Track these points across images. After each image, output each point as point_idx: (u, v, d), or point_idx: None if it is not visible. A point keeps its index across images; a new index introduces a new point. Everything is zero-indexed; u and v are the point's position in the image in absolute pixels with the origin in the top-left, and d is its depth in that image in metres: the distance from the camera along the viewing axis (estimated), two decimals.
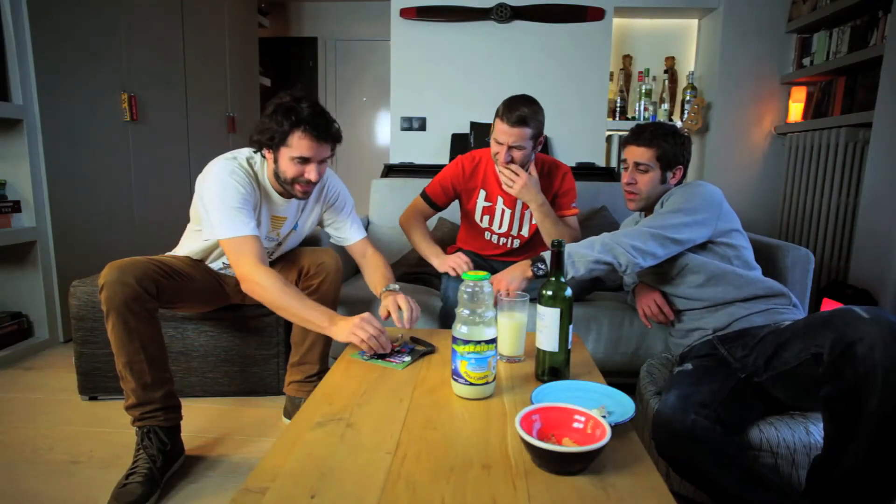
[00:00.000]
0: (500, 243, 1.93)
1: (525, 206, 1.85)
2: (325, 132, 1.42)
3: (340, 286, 1.73)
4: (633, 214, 1.64)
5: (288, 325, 1.92)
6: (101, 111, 2.64)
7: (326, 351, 1.74)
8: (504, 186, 1.74)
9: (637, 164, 1.46)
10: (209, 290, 1.66)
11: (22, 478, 1.41)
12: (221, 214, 1.41)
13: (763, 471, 1.11)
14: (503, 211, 1.87)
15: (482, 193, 1.87)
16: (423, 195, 1.91)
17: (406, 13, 3.37)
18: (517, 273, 1.40)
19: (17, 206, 2.27)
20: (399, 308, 1.45)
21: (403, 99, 3.50)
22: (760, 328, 1.32)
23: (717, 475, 1.07)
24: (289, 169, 1.45)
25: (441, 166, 3.18)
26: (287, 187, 1.50)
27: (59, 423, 1.69)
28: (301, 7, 5.26)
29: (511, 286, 1.38)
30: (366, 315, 1.29)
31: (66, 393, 1.91)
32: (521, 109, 1.64)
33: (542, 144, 1.75)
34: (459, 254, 1.73)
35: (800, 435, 1.22)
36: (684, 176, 1.49)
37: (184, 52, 3.29)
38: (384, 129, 5.35)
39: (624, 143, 1.51)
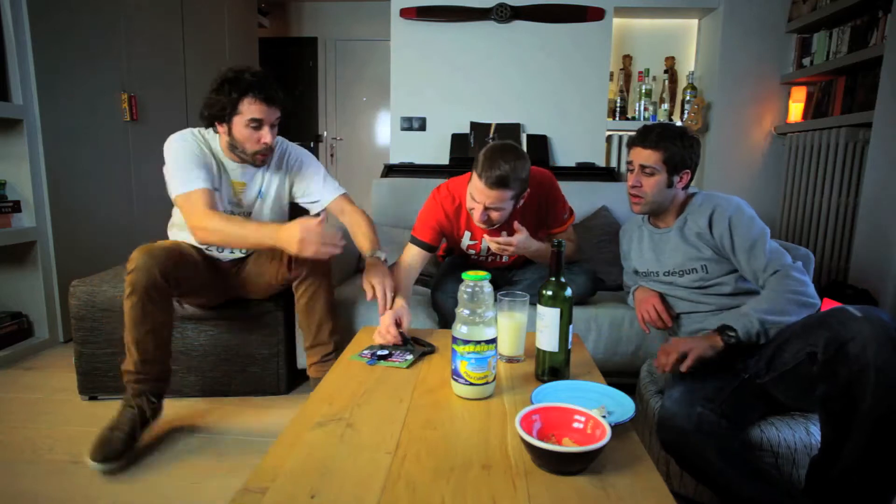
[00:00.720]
0: (489, 260, 1.83)
1: (511, 234, 1.64)
2: (274, 94, 1.53)
3: (333, 290, 1.77)
4: (635, 218, 1.62)
5: (289, 323, 1.92)
6: (101, 111, 2.64)
7: (335, 328, 1.76)
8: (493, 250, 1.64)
9: (643, 167, 1.41)
10: (214, 283, 1.71)
11: (22, 478, 1.41)
12: (174, 171, 1.53)
13: (766, 467, 1.11)
14: (489, 248, 1.70)
15: (467, 234, 1.74)
16: (414, 240, 1.68)
17: (406, 13, 3.37)
18: (705, 344, 1.22)
19: (17, 206, 2.27)
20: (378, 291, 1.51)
21: (403, 99, 3.49)
22: None
23: (721, 469, 1.07)
24: (244, 137, 1.54)
25: (441, 166, 3.20)
26: (244, 157, 1.59)
27: (59, 423, 1.69)
28: (301, 7, 5.26)
29: (696, 353, 1.20)
30: (310, 225, 1.35)
31: (66, 393, 1.91)
32: (502, 168, 1.45)
33: (525, 199, 1.60)
34: (386, 324, 1.39)
35: (800, 435, 1.22)
36: (691, 180, 1.46)
37: (184, 52, 3.29)
38: (384, 129, 5.35)
39: (630, 143, 1.46)
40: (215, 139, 1.63)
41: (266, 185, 1.72)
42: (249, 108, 1.50)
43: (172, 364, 1.84)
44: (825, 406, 1.06)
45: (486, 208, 1.52)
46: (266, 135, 1.54)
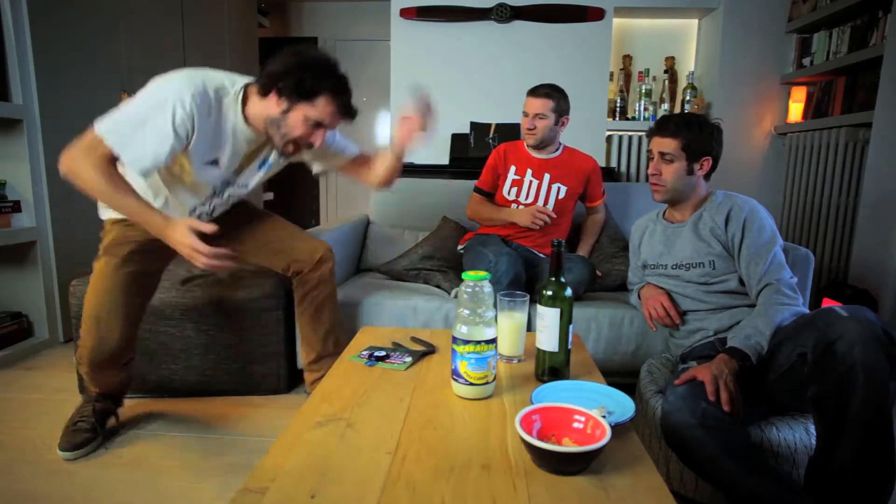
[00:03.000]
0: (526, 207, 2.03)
1: (552, 181, 2.03)
2: (350, 108, 1.40)
3: (334, 275, 1.74)
4: (650, 213, 1.63)
5: (289, 323, 1.92)
6: (101, 111, 2.61)
7: (340, 338, 1.74)
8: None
9: (662, 154, 1.43)
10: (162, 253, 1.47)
11: (22, 478, 1.42)
12: (125, 117, 1.27)
13: (771, 463, 1.11)
14: (531, 182, 2.05)
15: (513, 168, 2.08)
16: (476, 189, 2.16)
17: (406, 13, 3.37)
18: (725, 367, 1.18)
19: (17, 206, 2.27)
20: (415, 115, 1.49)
21: (403, 99, 3.49)
22: None
23: (725, 465, 1.07)
24: (298, 127, 1.36)
25: (441, 166, 3.20)
26: (278, 139, 1.39)
27: (59, 423, 1.69)
28: (301, 7, 5.26)
29: (724, 380, 1.15)
30: (196, 243, 1.22)
31: (66, 393, 1.91)
32: (546, 87, 1.98)
33: (564, 126, 2.03)
34: (536, 206, 1.98)
35: (800, 435, 1.22)
36: (713, 168, 1.46)
37: (184, 53, 3.29)
38: (384, 130, 5.35)
39: (649, 134, 1.48)
40: (237, 105, 1.37)
41: (275, 156, 1.53)
42: (324, 109, 1.34)
43: (172, 363, 1.85)
44: (817, 406, 1.07)
45: (533, 117, 1.98)
46: (318, 138, 1.39)
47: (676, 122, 1.42)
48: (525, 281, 1.85)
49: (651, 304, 1.50)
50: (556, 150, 2.08)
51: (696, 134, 1.41)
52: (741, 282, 1.39)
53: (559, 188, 2.03)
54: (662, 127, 1.44)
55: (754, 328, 1.24)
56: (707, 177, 1.48)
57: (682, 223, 1.49)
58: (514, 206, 2.06)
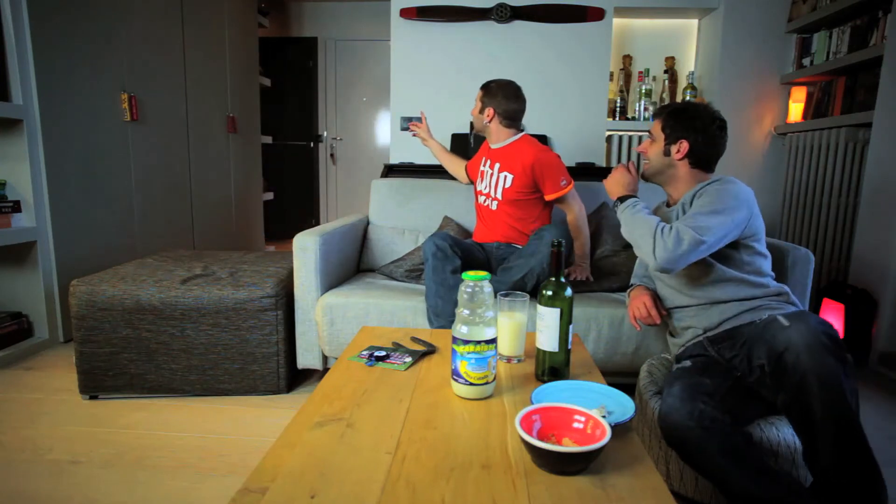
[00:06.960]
0: (485, 203, 2.16)
1: (501, 169, 2.09)
2: None
3: None
4: (661, 204, 1.64)
5: (289, 323, 1.92)
6: (101, 111, 2.64)
7: None
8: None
9: (650, 134, 1.54)
10: None
11: (22, 478, 1.42)
12: None
13: (770, 464, 1.11)
14: (488, 172, 2.17)
15: (484, 159, 2.21)
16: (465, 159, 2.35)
17: (406, 13, 3.37)
18: (620, 185, 1.52)
19: (17, 206, 2.27)
20: None
21: (403, 99, 3.49)
22: (746, 326, 1.31)
23: (723, 465, 1.07)
24: None
25: (441, 166, 3.19)
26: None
27: (59, 423, 1.69)
28: (301, 7, 5.26)
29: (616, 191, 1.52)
30: None
31: (66, 393, 1.91)
32: (487, 82, 2.15)
33: (490, 119, 2.13)
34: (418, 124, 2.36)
35: None
36: (702, 156, 1.45)
37: (184, 52, 3.30)
38: (384, 129, 5.35)
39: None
40: None
41: None
42: None
43: (172, 363, 1.85)
44: (787, 413, 1.10)
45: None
46: None
47: (667, 107, 1.52)
48: (468, 262, 1.98)
49: (634, 304, 1.53)
50: (511, 138, 2.12)
51: (674, 118, 1.48)
52: (727, 271, 1.36)
53: (506, 176, 2.07)
54: (657, 111, 1.55)
55: (637, 208, 1.43)
56: (700, 165, 1.46)
57: (674, 207, 1.51)
58: (479, 197, 2.19)
